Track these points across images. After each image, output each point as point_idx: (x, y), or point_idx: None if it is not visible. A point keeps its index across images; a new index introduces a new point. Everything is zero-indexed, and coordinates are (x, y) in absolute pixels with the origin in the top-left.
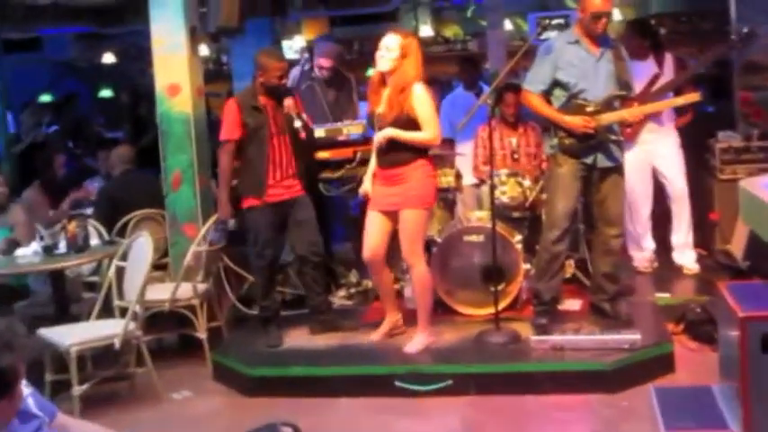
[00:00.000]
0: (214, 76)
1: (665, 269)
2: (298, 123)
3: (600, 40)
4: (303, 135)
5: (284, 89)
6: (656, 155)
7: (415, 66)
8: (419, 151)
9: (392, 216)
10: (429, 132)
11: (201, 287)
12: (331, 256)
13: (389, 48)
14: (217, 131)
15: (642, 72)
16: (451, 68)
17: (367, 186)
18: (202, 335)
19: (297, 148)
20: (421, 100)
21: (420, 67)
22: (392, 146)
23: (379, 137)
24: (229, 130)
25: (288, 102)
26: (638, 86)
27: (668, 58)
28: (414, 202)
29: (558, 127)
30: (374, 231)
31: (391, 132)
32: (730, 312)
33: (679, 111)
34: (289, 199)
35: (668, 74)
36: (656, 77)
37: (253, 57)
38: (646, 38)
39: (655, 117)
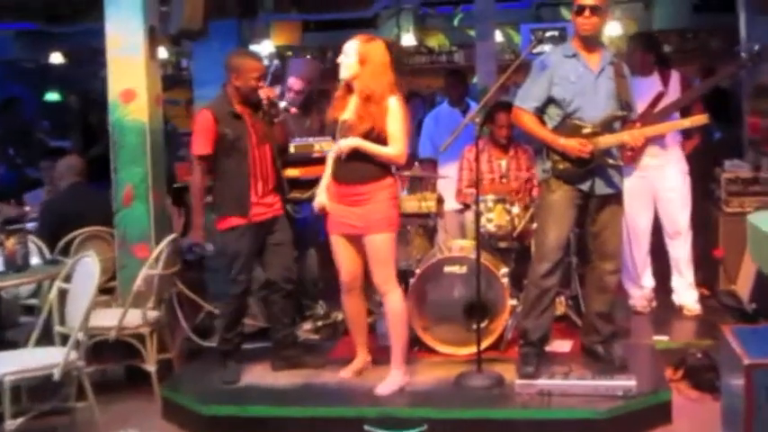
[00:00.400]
0: (172, 82)
1: (665, 309)
2: (282, 104)
3: (600, 55)
4: (293, 110)
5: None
6: (658, 182)
7: (380, 74)
8: (385, 169)
9: (357, 241)
10: (395, 148)
11: (152, 314)
12: (301, 284)
13: (346, 53)
14: (174, 143)
15: (645, 89)
16: (435, 82)
17: (323, 199)
18: (151, 367)
19: (277, 159)
20: (394, 114)
21: (390, 77)
22: (356, 160)
23: (343, 145)
24: (204, 143)
25: (263, 91)
26: (639, 105)
27: (674, 76)
28: (380, 226)
29: (552, 149)
30: (347, 254)
31: (357, 142)
32: (735, 358)
33: (686, 134)
34: (271, 218)
35: (673, 93)
36: (659, 96)
37: (224, 61)
38: (651, 52)
39: (658, 140)
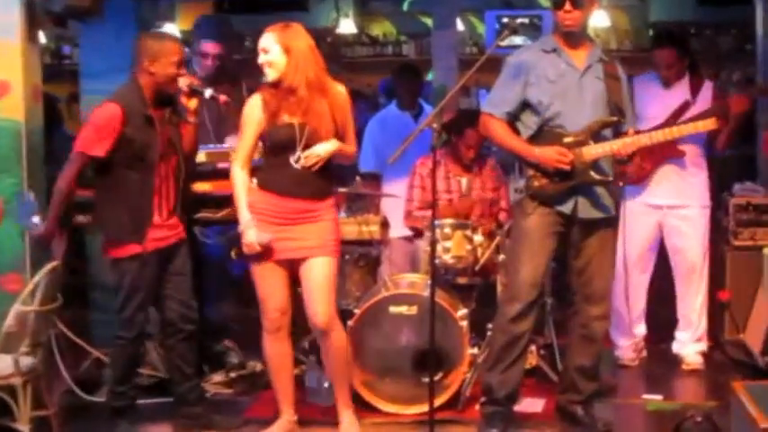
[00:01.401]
0: (51, 73)
1: (657, 363)
2: (208, 93)
3: (587, 51)
4: (223, 100)
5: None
6: (671, 210)
7: (311, 60)
8: (332, 184)
9: (292, 268)
10: (353, 146)
11: (26, 361)
12: (207, 326)
13: (266, 49)
14: (62, 149)
15: (669, 98)
16: (380, 79)
17: (253, 236)
18: (24, 427)
19: (181, 171)
20: (346, 104)
21: (321, 61)
22: (317, 172)
23: (322, 151)
24: (100, 143)
25: (184, 79)
26: (662, 116)
27: (707, 86)
28: (329, 249)
29: (526, 163)
30: (280, 284)
31: (337, 145)
32: (749, 422)
33: (708, 146)
34: (172, 244)
35: (702, 105)
36: (685, 106)
37: (133, 44)
38: (685, 53)
39: (675, 159)
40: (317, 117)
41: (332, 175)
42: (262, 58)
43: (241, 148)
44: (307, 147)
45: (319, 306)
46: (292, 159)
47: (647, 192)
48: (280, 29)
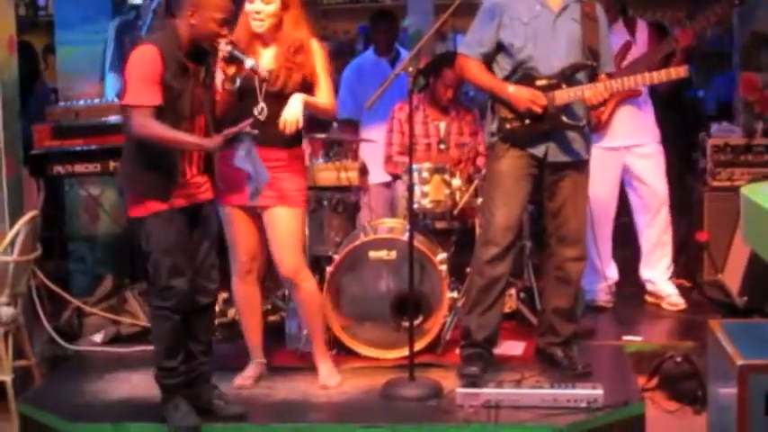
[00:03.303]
0: (27, 24)
1: (635, 306)
2: (249, 63)
3: None
4: (264, 74)
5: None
6: (629, 150)
7: (303, 18)
8: (300, 135)
9: (257, 216)
10: (329, 98)
11: (7, 312)
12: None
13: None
14: (39, 101)
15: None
16: (356, 25)
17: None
18: (6, 377)
19: (208, 132)
20: (320, 58)
21: (307, 17)
22: (276, 119)
23: (291, 115)
24: (155, 90)
25: (224, 41)
26: None
27: (641, 26)
28: (294, 199)
29: (501, 104)
30: (247, 229)
31: (302, 99)
32: (725, 360)
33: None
34: (200, 203)
35: (642, 45)
36: (627, 47)
37: None
38: None
39: (631, 99)
40: (288, 69)
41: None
42: (258, 5)
43: None
44: (267, 97)
45: (284, 256)
46: (255, 111)
47: (606, 136)
48: None
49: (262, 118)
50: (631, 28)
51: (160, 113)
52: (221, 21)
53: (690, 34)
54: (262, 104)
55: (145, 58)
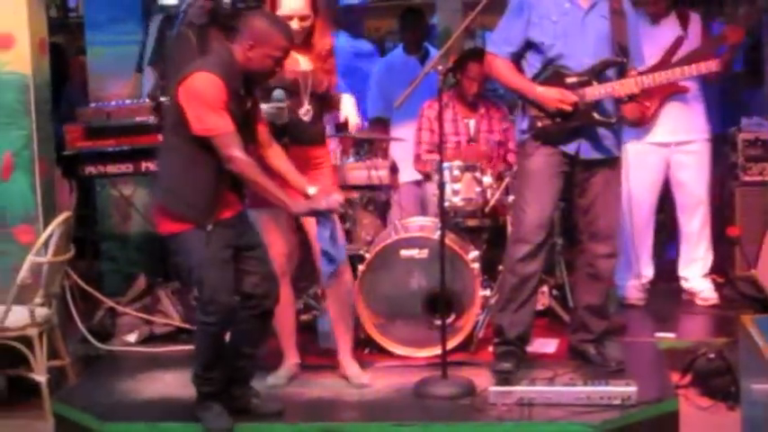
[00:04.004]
0: (56, 27)
1: (664, 301)
2: (281, 103)
3: None
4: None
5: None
6: (675, 147)
7: (329, 23)
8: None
9: (290, 217)
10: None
11: (41, 312)
12: None
13: (299, 13)
14: (69, 102)
15: (660, 34)
16: (386, 24)
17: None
18: (41, 377)
19: None
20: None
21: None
22: (316, 118)
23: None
24: (222, 116)
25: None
26: (656, 53)
27: (694, 19)
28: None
29: (530, 103)
30: (284, 232)
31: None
32: (759, 356)
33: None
34: (235, 215)
35: (694, 40)
36: (678, 42)
37: (245, 21)
38: None
39: (679, 95)
40: (319, 74)
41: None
42: (296, 25)
43: None
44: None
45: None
46: (301, 112)
47: (652, 131)
48: None
49: (307, 119)
50: (684, 21)
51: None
52: (277, 59)
53: (740, 31)
54: (308, 107)
55: (212, 86)
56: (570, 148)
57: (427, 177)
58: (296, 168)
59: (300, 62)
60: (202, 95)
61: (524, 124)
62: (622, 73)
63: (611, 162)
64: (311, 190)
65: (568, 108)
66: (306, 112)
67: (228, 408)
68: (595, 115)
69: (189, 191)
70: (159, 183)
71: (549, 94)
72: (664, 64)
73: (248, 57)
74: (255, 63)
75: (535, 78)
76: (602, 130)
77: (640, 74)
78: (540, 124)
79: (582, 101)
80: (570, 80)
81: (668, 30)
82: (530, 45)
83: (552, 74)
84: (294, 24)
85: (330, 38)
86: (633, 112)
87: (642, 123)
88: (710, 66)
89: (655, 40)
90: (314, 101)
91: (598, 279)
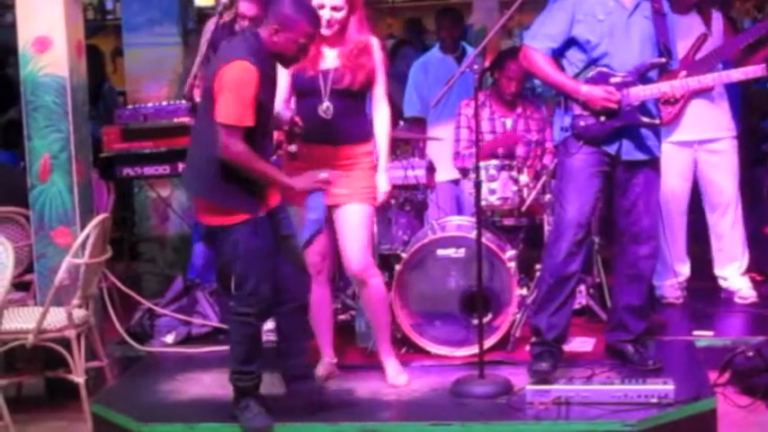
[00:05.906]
0: (95, 28)
1: (701, 299)
2: (293, 149)
3: None
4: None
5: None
6: (699, 146)
7: (367, 18)
8: (371, 130)
9: (329, 213)
10: (385, 100)
11: (79, 314)
12: None
13: (332, 3)
14: (107, 105)
15: (684, 30)
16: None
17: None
18: (79, 378)
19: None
20: (381, 58)
21: (370, 20)
22: (346, 116)
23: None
24: (246, 111)
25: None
26: (680, 50)
27: (716, 17)
28: (365, 196)
29: (573, 100)
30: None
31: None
32: None
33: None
34: (277, 205)
35: (717, 37)
36: (703, 39)
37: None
38: None
39: (704, 93)
40: (352, 70)
41: (363, 121)
42: (328, 15)
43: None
44: (333, 95)
45: (353, 252)
46: (320, 109)
47: (676, 130)
48: None
49: (327, 116)
50: (707, 19)
51: (252, 131)
52: (302, 46)
53: None
54: (327, 103)
55: (246, 78)
56: (611, 148)
57: (464, 175)
58: (319, 168)
59: (327, 58)
60: (236, 87)
61: (566, 122)
62: (662, 73)
63: (653, 162)
64: (322, 174)
65: (614, 107)
66: (326, 108)
67: (268, 407)
68: (640, 116)
69: (237, 184)
70: (201, 179)
71: (596, 93)
72: (687, 61)
73: (274, 41)
74: (281, 47)
75: (576, 77)
76: (643, 131)
77: (687, 75)
78: (582, 123)
79: (626, 101)
80: (615, 80)
81: (692, 28)
82: (572, 43)
83: (597, 73)
84: (325, 13)
85: (368, 36)
86: (668, 114)
87: (669, 122)
88: (757, 71)
89: (678, 37)
90: (336, 97)
91: (640, 280)
